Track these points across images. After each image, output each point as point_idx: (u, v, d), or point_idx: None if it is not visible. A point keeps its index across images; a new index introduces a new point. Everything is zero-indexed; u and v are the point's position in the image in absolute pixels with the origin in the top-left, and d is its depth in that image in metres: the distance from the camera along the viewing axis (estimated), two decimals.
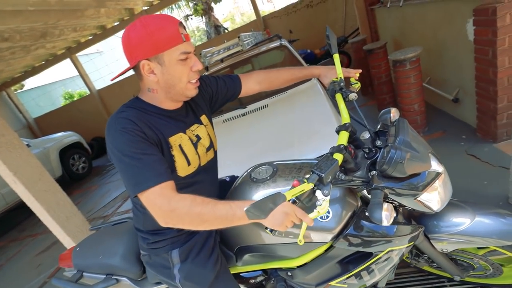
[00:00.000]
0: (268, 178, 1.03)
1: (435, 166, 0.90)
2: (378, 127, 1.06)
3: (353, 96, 1.05)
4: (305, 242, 0.96)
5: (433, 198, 0.91)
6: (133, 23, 0.79)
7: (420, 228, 0.98)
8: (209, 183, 1.07)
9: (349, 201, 0.99)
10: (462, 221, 1.04)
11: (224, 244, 1.13)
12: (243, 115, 2.39)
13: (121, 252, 1.13)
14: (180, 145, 0.91)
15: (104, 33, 6.65)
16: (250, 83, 1.18)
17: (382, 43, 3.13)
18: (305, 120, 1.97)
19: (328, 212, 0.94)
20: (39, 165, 2.07)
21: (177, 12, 10.90)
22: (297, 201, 0.77)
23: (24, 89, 10.77)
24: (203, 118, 1.04)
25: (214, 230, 1.10)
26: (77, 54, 7.28)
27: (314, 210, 0.76)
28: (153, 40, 0.77)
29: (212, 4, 9.83)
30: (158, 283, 1.11)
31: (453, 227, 1.04)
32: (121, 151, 0.78)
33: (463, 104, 2.50)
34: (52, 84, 11.92)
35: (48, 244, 3.63)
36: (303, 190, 0.74)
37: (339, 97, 1.08)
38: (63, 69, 10.18)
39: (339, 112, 1.06)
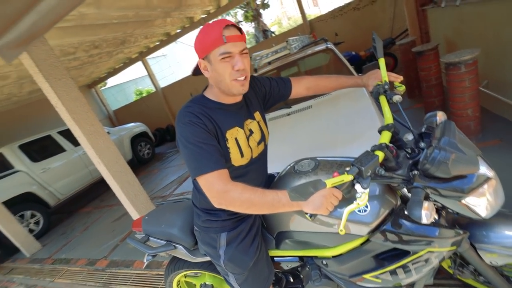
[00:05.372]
0: (310, 171, 1.04)
1: (484, 170, 0.82)
2: (423, 129, 0.99)
3: (397, 98, 1.00)
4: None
5: (480, 203, 0.82)
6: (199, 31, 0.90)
7: (464, 234, 0.90)
8: (259, 173, 1.11)
9: (388, 199, 0.95)
10: None
11: (266, 228, 1.18)
12: (288, 114, 2.39)
13: (179, 224, 1.24)
14: (236, 138, 0.96)
15: (168, 39, 7.16)
16: (300, 88, 1.20)
17: (433, 45, 2.84)
18: (349, 122, 1.89)
19: (366, 206, 0.92)
20: (116, 151, 2.36)
21: (230, 18, 11.22)
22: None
23: (107, 86, 12.15)
24: (257, 115, 1.08)
25: (259, 219, 1.14)
26: (146, 57, 7.98)
27: (354, 202, 0.76)
28: (202, 43, 0.87)
29: (261, 10, 9.88)
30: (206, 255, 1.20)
31: (505, 239, 0.92)
32: (187, 139, 0.87)
33: None
34: (127, 82, 13.27)
35: (120, 214, 4.11)
36: (342, 180, 0.74)
37: (383, 99, 1.03)
38: (135, 70, 11.23)
39: (383, 115, 1.01)
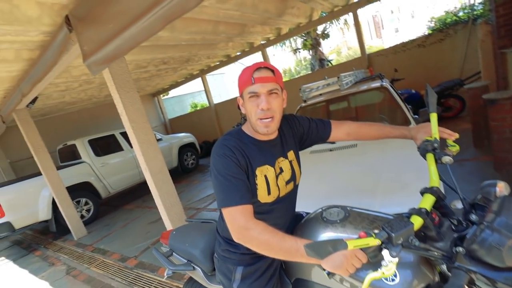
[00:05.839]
0: (338, 221, 0.99)
1: None
2: (477, 198, 0.87)
3: (447, 159, 0.90)
4: None
5: None
6: None
7: None
8: (285, 212, 1.10)
9: (424, 272, 0.84)
10: None
11: (284, 271, 1.14)
12: (331, 150, 2.32)
13: (202, 247, 1.28)
14: (265, 176, 0.98)
15: (228, 60, 7.75)
16: (340, 132, 1.19)
17: (510, 94, 2.52)
18: (395, 170, 1.74)
19: (395, 275, 0.83)
20: (162, 161, 2.57)
21: (289, 44, 11.61)
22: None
23: (167, 96, 13.51)
24: (290, 154, 1.09)
25: (278, 260, 1.11)
26: (206, 75, 8.71)
27: (379, 269, 0.70)
28: (238, 83, 0.98)
29: (320, 40, 10.05)
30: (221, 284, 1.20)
31: None
32: (218, 171, 0.92)
33: None
34: (185, 95, 14.55)
35: (157, 217, 4.38)
36: (367, 244, 0.69)
37: (430, 157, 0.95)
38: (194, 85, 12.28)
39: (429, 176, 0.92)
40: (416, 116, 2.50)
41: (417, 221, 0.76)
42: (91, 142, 5.44)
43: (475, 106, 3.30)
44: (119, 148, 5.82)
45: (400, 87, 5.31)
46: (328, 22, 9.15)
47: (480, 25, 3.80)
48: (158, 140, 6.35)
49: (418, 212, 0.79)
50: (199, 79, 8.88)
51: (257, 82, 0.92)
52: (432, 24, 5.68)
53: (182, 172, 7.05)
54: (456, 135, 1.00)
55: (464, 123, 4.36)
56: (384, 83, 2.74)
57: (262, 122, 0.94)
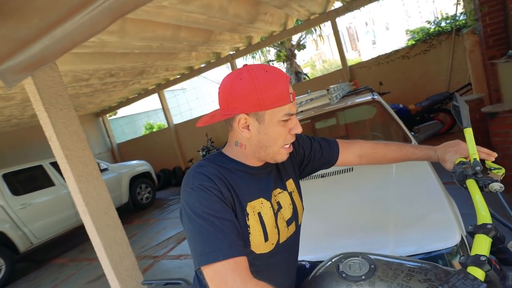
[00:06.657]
0: (363, 277, 0.83)
1: None
2: None
3: (497, 186, 0.81)
4: None
5: None
6: (239, 72, 0.78)
7: None
8: (286, 266, 0.93)
9: None
10: None
11: None
12: (322, 176, 2.23)
13: None
14: (259, 214, 0.82)
15: (191, 73, 7.67)
16: (349, 155, 1.07)
17: (511, 106, 2.69)
18: (404, 198, 1.69)
19: None
20: (108, 199, 2.27)
21: (259, 57, 11.96)
22: None
23: (116, 116, 12.90)
24: (289, 183, 0.94)
25: None
26: (164, 90, 8.50)
27: None
28: (259, 96, 0.74)
29: (296, 51, 10.49)
30: None
31: None
32: (193, 210, 0.72)
33: None
34: (138, 114, 14.03)
35: (99, 273, 3.86)
36: None
37: (472, 184, 0.85)
38: (149, 102, 11.94)
39: (475, 209, 0.82)
40: (414, 133, 2.54)
41: (478, 275, 0.63)
42: (8, 177, 4.83)
43: (471, 121, 3.50)
44: (48, 183, 5.25)
45: (386, 101, 5.59)
46: (304, 32, 9.63)
47: (467, 35, 4.18)
48: (103, 170, 5.88)
49: (476, 261, 0.66)
50: (155, 96, 8.64)
51: (293, 100, 0.79)
52: (416, 36, 6.21)
53: (134, 209, 6.60)
54: (495, 154, 0.94)
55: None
56: (376, 97, 2.79)
57: (286, 149, 0.84)
